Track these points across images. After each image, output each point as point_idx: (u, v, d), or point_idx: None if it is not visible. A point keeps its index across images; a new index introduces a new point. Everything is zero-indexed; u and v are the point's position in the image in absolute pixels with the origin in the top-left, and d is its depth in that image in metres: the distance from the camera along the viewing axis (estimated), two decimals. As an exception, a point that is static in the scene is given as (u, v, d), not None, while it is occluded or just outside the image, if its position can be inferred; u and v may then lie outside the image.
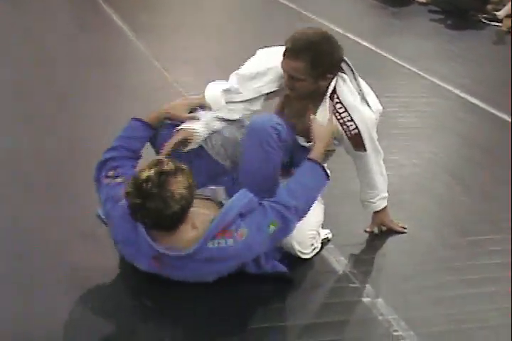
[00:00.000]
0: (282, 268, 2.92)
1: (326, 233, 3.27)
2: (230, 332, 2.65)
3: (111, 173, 2.90)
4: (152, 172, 2.54)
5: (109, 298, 2.81)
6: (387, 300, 2.88)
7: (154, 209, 2.53)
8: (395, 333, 2.69)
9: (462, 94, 5.83)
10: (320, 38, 3.01)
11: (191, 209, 2.66)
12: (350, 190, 3.83)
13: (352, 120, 3.09)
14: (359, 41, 7.22)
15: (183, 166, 2.63)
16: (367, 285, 2.98)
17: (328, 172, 3.05)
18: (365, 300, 2.89)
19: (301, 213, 2.89)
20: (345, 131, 3.12)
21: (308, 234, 3.08)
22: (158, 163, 2.59)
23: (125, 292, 2.86)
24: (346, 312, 2.82)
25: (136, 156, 3.06)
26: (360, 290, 2.95)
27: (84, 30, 6.67)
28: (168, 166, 2.57)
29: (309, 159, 2.99)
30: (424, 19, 8.76)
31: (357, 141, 3.14)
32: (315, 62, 2.96)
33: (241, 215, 2.73)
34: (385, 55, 6.79)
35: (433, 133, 4.99)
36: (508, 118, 5.32)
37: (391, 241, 3.39)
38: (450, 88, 5.98)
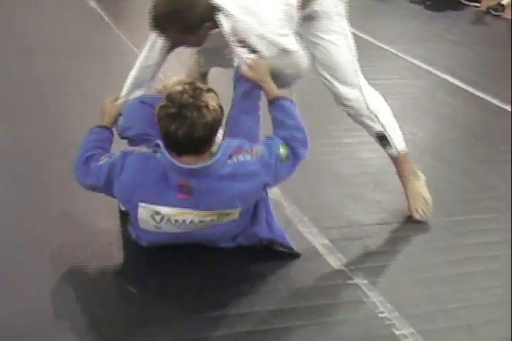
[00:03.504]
0: (290, 241, 3.02)
1: None
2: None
3: (102, 157, 2.89)
4: (186, 86, 2.65)
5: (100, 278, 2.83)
6: (372, 282, 2.90)
7: (190, 117, 2.59)
8: (380, 315, 2.70)
9: (442, 75, 5.84)
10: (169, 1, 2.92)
11: None
12: (339, 173, 3.87)
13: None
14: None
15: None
16: (352, 268, 2.99)
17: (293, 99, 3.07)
18: (350, 282, 2.90)
19: (303, 141, 3.01)
20: None
21: None
22: (190, 82, 2.75)
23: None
24: (332, 295, 2.83)
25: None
26: (346, 273, 2.96)
27: (63, 19, 6.61)
28: (201, 85, 2.72)
29: (270, 101, 3.02)
30: (403, 0, 8.75)
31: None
32: (183, 24, 2.89)
33: None
34: (365, 37, 6.78)
35: (414, 115, 5.00)
36: (488, 98, 5.35)
37: (376, 223, 3.40)
38: (430, 69, 5.99)
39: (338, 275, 2.95)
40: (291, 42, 3.02)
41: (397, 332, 2.61)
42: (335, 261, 3.03)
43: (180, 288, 2.79)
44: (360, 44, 6.71)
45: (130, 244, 3.00)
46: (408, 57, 6.27)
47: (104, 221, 3.19)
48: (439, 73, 5.89)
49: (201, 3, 2.91)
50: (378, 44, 6.63)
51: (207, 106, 2.62)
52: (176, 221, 2.78)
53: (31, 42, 5.75)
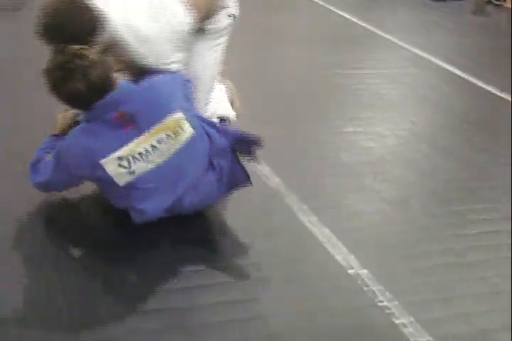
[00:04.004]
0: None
1: None
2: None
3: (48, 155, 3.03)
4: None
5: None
6: (371, 271, 2.92)
7: (79, 65, 2.72)
8: (380, 304, 2.72)
9: (442, 65, 5.85)
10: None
11: None
12: (339, 162, 3.88)
13: None
14: (341, 13, 7.20)
15: None
16: (352, 256, 3.01)
17: None
18: (350, 271, 2.92)
19: None
20: None
21: None
22: None
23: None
24: (331, 284, 2.85)
25: None
26: (346, 262, 2.97)
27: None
28: None
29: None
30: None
31: None
32: (66, 35, 2.91)
33: None
34: (367, 26, 6.78)
35: (414, 104, 5.01)
36: (487, 87, 5.36)
37: (375, 212, 3.41)
38: (430, 58, 5.99)
39: (337, 264, 2.97)
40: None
41: (396, 321, 2.63)
42: (334, 250, 3.05)
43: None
44: (361, 33, 6.79)
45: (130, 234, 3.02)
46: (408, 47, 6.27)
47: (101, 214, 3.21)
48: (439, 62, 5.89)
49: (85, 16, 2.96)
50: (379, 33, 6.61)
51: (84, 51, 2.76)
52: (140, 154, 2.85)
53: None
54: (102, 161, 2.82)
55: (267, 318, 2.60)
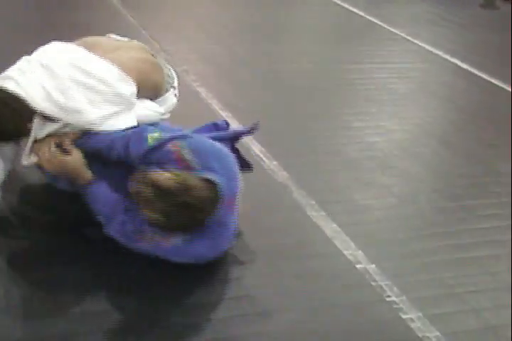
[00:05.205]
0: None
1: None
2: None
3: None
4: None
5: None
6: (379, 266, 2.92)
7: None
8: (388, 299, 2.72)
9: (450, 59, 5.83)
10: None
11: None
12: (347, 157, 3.88)
13: None
14: (348, 7, 7.19)
15: None
16: (360, 252, 3.01)
17: None
18: (358, 266, 2.92)
19: None
20: None
21: None
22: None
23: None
24: (340, 279, 2.85)
25: None
26: (353, 257, 2.97)
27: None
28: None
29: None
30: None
31: None
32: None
33: None
34: (374, 20, 6.77)
35: (421, 99, 5.00)
36: (496, 82, 5.35)
37: (383, 207, 3.41)
38: (439, 53, 5.98)
39: (345, 259, 2.97)
40: None
41: (404, 316, 2.63)
42: (342, 245, 3.05)
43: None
44: (369, 27, 6.77)
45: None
46: (417, 41, 6.26)
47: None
48: (447, 57, 5.88)
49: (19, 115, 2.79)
50: (387, 27, 6.60)
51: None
52: None
53: (39, 23, 5.73)
54: None
55: (276, 314, 2.60)
